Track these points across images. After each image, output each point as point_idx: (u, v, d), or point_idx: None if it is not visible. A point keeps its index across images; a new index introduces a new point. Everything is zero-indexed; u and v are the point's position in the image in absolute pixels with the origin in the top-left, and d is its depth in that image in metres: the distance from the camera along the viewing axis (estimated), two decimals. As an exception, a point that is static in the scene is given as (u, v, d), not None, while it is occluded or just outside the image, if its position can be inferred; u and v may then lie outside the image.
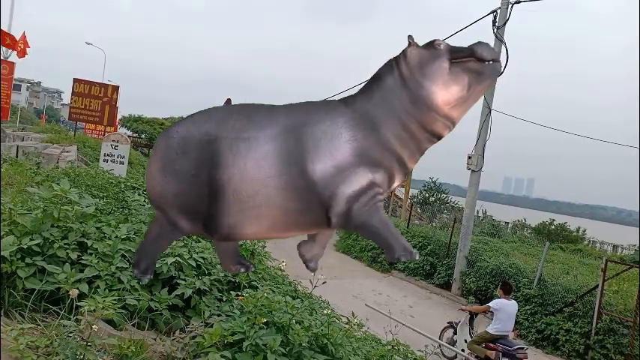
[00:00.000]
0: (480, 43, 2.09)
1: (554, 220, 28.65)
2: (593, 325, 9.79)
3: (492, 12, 12.76)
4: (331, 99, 2.23)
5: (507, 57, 12.55)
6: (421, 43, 2.17)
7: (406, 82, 2.06)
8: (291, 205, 1.98)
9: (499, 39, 12.55)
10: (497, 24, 12.64)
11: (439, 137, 2.14)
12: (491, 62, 2.08)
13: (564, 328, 10.16)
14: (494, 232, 22.80)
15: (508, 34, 12.73)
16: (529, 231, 28.13)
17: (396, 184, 2.20)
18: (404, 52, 2.12)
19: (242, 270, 2.40)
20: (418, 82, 2.04)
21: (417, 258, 2.02)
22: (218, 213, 1.94)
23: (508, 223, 29.21)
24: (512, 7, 12.56)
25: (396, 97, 2.08)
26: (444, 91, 2.03)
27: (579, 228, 28.87)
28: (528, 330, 10.72)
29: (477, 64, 2.05)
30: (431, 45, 2.09)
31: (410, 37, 2.12)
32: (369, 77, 2.24)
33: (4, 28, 17.98)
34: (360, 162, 2.01)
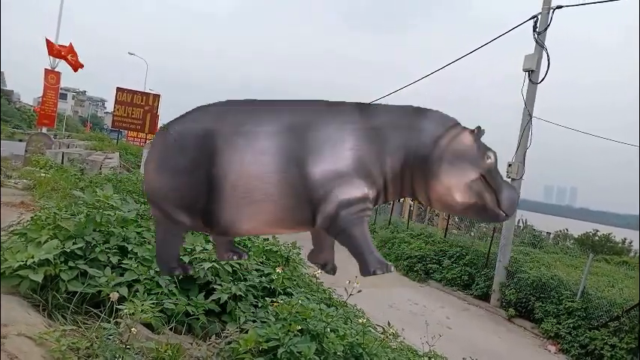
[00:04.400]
0: (513, 191, 2.17)
1: (598, 231, 27.68)
2: (641, 341, 9.38)
3: (533, 17, 12.47)
4: (339, 101, 2.22)
5: (549, 63, 12.25)
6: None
7: (439, 146, 2.08)
8: (286, 201, 1.99)
9: (540, 45, 12.25)
10: (537, 29, 12.35)
11: (414, 199, 2.23)
12: (502, 213, 2.15)
13: (609, 343, 9.75)
14: (535, 242, 22.18)
15: (550, 40, 12.41)
16: (572, 242, 27.23)
17: (378, 204, 2.24)
18: (462, 130, 2.14)
19: (235, 258, 2.41)
20: (444, 158, 2.06)
21: (393, 270, 2.06)
22: (217, 209, 1.95)
23: (550, 233, 28.37)
24: (553, 12, 12.26)
25: (420, 144, 2.10)
26: (448, 186, 2.06)
27: (625, 239, 27.77)
28: (571, 344, 10.34)
29: (492, 203, 2.10)
30: (485, 150, 2.12)
31: (478, 127, 2.15)
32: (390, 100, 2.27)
33: (52, 37, 18.74)
34: (358, 173, 2.03)
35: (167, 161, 1.94)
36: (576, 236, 28.01)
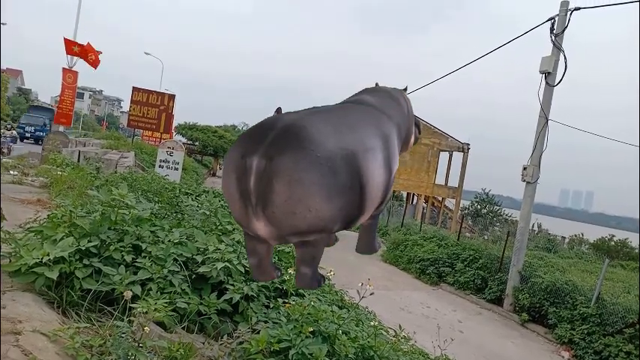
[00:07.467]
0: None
1: (614, 236, 27.34)
2: (658, 349, 9.24)
3: (550, 19, 12.34)
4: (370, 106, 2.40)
5: (566, 65, 12.12)
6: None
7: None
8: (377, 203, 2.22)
9: (557, 47, 12.13)
10: (555, 31, 12.21)
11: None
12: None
13: (624, 350, 9.62)
14: (549, 247, 22.01)
15: (567, 39, 12.27)
16: (587, 247, 26.98)
17: None
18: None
19: (279, 274, 2.42)
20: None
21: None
22: (362, 216, 2.11)
23: (565, 237, 28.10)
24: (571, 14, 12.12)
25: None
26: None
27: (642, 245, 27.43)
28: (585, 351, 10.21)
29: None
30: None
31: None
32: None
33: (70, 35, 18.98)
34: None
35: (333, 187, 1.92)
36: (592, 241, 27.71)
